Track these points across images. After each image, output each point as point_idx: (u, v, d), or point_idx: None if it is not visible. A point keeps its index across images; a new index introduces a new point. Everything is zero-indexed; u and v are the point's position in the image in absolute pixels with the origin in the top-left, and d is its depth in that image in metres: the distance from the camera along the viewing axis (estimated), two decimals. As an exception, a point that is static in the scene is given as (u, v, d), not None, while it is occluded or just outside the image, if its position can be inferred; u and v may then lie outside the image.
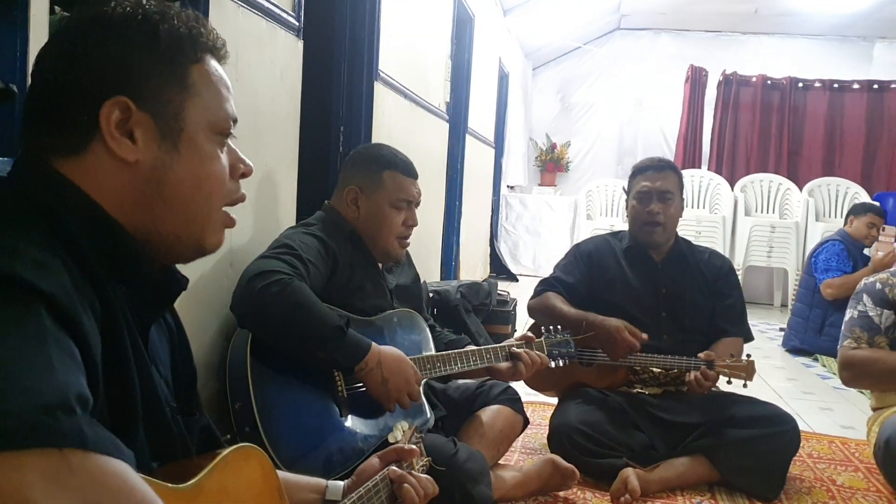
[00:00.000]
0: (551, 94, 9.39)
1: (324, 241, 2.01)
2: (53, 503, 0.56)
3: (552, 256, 6.05)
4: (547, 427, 2.59)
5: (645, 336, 2.48)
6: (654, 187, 2.67)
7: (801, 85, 8.08)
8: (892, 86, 7.87)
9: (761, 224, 6.98)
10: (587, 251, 2.81)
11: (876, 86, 7.93)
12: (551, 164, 9.12)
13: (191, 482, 0.81)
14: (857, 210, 5.05)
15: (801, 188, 7.26)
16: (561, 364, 2.40)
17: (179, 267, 0.97)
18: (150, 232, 0.89)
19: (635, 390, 2.61)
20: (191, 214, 0.91)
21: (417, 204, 2.22)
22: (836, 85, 8.02)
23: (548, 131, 9.26)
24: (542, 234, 8.22)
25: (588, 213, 7.75)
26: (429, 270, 4.62)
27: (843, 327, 2.51)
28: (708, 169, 8.08)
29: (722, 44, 8.71)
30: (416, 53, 4.07)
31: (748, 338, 2.70)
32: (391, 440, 1.37)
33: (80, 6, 0.90)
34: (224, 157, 0.95)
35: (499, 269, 7.71)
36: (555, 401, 2.72)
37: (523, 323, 3.99)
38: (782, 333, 5.26)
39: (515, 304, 4.59)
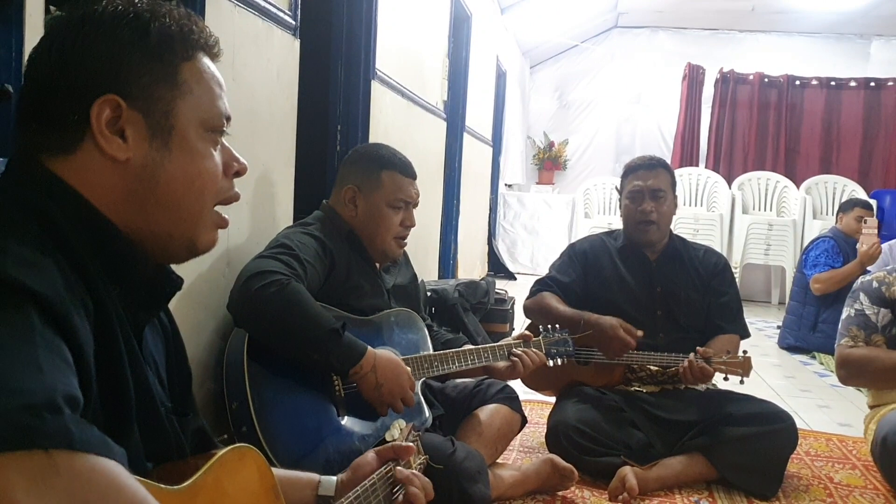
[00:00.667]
0: (549, 92, 9.40)
1: (321, 241, 2.00)
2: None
3: (550, 255, 6.06)
4: (545, 426, 2.59)
5: (640, 333, 2.48)
6: (646, 186, 2.67)
7: (798, 83, 8.08)
8: (889, 83, 7.87)
9: (759, 222, 6.99)
10: (582, 250, 2.81)
11: (873, 83, 7.93)
12: (549, 163, 9.12)
13: (186, 483, 0.81)
14: (845, 206, 5.09)
15: (798, 186, 7.27)
16: (559, 363, 2.40)
17: (176, 267, 0.97)
18: (142, 230, 0.88)
19: (632, 389, 2.61)
20: (183, 213, 0.91)
21: (416, 205, 2.21)
22: (833, 83, 8.02)
23: (545, 129, 9.26)
24: (539, 233, 8.22)
25: (586, 211, 7.76)
26: (427, 269, 4.62)
27: (840, 326, 2.51)
28: (705, 167, 8.09)
29: (719, 41, 8.72)
30: (414, 52, 4.07)
31: (744, 335, 2.69)
32: (388, 438, 1.37)
33: (71, 5, 0.89)
34: (217, 156, 0.94)
35: (497, 267, 7.71)
36: (552, 400, 2.72)
37: (521, 321, 4.00)
38: (779, 331, 5.27)
39: (513, 303, 4.59)
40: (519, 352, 2.23)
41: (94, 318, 0.76)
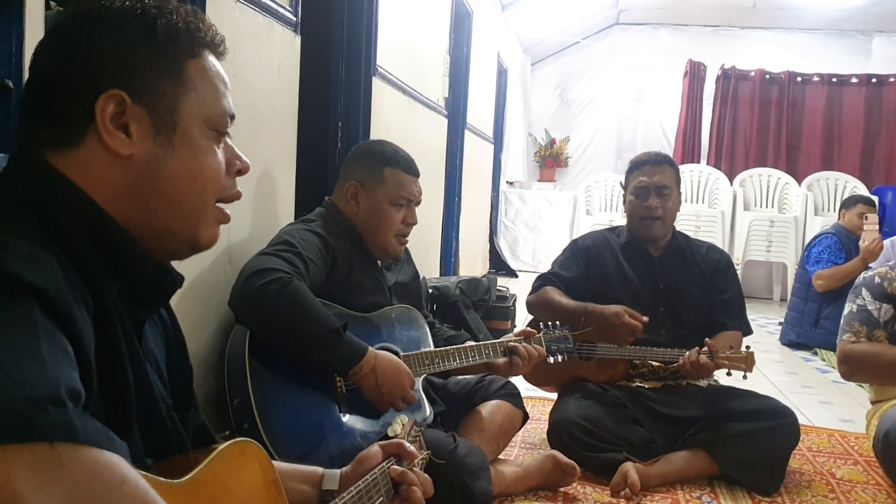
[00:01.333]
0: (550, 89, 9.39)
1: (324, 238, 2.00)
2: (43, 497, 0.56)
3: (551, 252, 6.05)
4: (546, 422, 2.59)
5: (645, 318, 2.48)
6: (652, 182, 2.66)
7: (799, 79, 8.07)
8: (891, 79, 7.86)
9: (760, 218, 6.98)
10: (585, 246, 2.81)
11: (874, 80, 7.92)
12: (550, 160, 9.11)
13: (187, 477, 0.80)
14: (847, 203, 5.09)
15: (799, 182, 7.26)
16: (559, 359, 2.39)
17: (177, 263, 0.97)
18: (143, 227, 0.88)
19: (634, 384, 2.61)
20: (184, 209, 0.91)
21: (418, 203, 2.21)
22: (834, 79, 8.01)
23: (547, 126, 9.25)
24: (541, 230, 8.21)
25: (587, 208, 7.75)
26: (428, 266, 4.62)
27: (841, 321, 2.51)
28: (707, 163, 8.08)
29: (720, 38, 8.70)
30: (415, 49, 4.07)
31: (747, 331, 2.69)
32: (390, 434, 1.36)
33: (73, 0, 0.89)
34: (220, 153, 0.94)
35: (498, 264, 7.71)
36: (554, 396, 2.72)
37: (523, 318, 3.99)
38: (781, 327, 5.26)
39: (515, 300, 4.59)
40: (518, 346, 2.22)
41: (94, 314, 0.76)
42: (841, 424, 3.27)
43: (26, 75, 0.88)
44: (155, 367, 0.95)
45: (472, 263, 6.52)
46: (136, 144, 0.86)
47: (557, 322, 2.45)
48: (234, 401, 1.74)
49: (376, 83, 3.27)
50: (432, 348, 2.14)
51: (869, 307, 2.43)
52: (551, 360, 2.36)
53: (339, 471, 1.23)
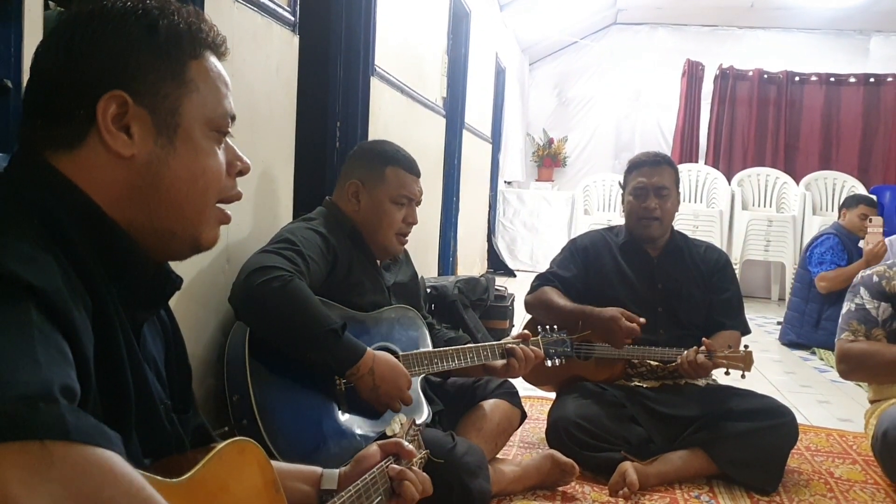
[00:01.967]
0: (548, 89, 9.38)
1: (325, 237, 2.01)
2: (34, 495, 0.56)
3: (550, 252, 6.04)
4: (545, 421, 2.59)
5: (643, 320, 2.48)
6: (651, 183, 2.66)
7: (797, 79, 8.07)
8: (889, 79, 7.86)
9: (758, 218, 6.99)
10: (583, 246, 2.81)
11: (872, 79, 7.92)
12: (548, 160, 9.11)
13: (185, 476, 0.80)
14: (848, 202, 5.06)
15: (797, 182, 7.27)
16: (557, 363, 2.40)
17: (176, 263, 0.97)
18: (144, 227, 0.88)
19: (633, 384, 2.61)
20: (186, 210, 0.91)
21: (418, 202, 2.22)
22: (832, 79, 8.01)
23: (545, 126, 9.25)
24: (539, 230, 8.22)
25: (585, 208, 7.76)
26: (426, 266, 4.63)
27: (840, 320, 2.51)
28: (705, 163, 8.09)
29: (718, 38, 8.70)
30: (413, 49, 4.07)
31: (745, 331, 2.70)
32: (389, 433, 1.36)
33: (79, 1, 0.89)
34: (221, 154, 0.95)
35: (496, 264, 7.71)
36: (552, 395, 2.72)
37: (521, 318, 4.00)
38: (780, 327, 5.27)
39: (513, 300, 4.59)
40: (515, 348, 2.20)
41: (93, 315, 0.76)
42: (839, 424, 3.27)
43: (25, 75, 0.88)
44: (153, 368, 0.95)
45: (471, 263, 6.53)
46: (137, 145, 0.86)
47: (556, 326, 2.45)
48: (233, 397, 1.74)
49: (374, 83, 3.27)
50: (431, 349, 2.14)
51: (867, 306, 2.44)
52: (549, 363, 2.37)
53: (337, 470, 1.23)
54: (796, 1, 7.64)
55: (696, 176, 7.51)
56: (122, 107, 0.84)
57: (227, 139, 0.96)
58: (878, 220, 4.51)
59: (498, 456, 2.38)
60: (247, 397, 1.72)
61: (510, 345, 2.23)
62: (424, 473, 1.29)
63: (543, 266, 2.97)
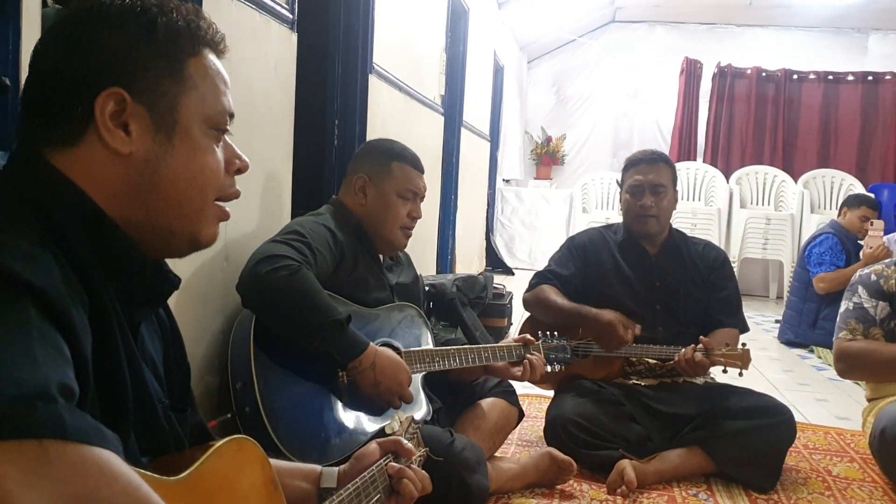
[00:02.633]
0: (546, 87, 9.38)
1: (332, 232, 2.03)
2: (31, 494, 0.56)
3: (548, 250, 6.04)
4: (543, 419, 2.59)
5: (638, 328, 2.48)
6: (647, 181, 2.66)
7: (795, 77, 8.07)
8: (887, 77, 7.86)
9: (756, 216, 6.99)
10: (581, 244, 2.81)
11: (870, 77, 7.92)
12: (547, 158, 9.11)
13: (183, 474, 0.80)
14: (850, 202, 5.02)
15: (796, 180, 7.27)
16: (556, 369, 2.41)
17: (175, 260, 0.97)
18: (143, 225, 0.88)
19: (631, 382, 2.61)
20: (184, 208, 0.91)
21: (422, 198, 2.26)
22: (830, 77, 8.01)
23: (543, 124, 9.24)
24: (537, 228, 8.22)
25: (584, 206, 7.75)
26: (424, 264, 4.62)
27: (838, 319, 2.51)
28: (703, 161, 8.08)
29: (716, 36, 8.70)
30: (411, 46, 4.06)
31: (744, 329, 2.70)
32: (388, 431, 1.36)
33: None
34: (219, 152, 0.94)
35: (495, 262, 7.71)
36: (550, 393, 2.72)
37: (519, 316, 4.00)
38: (778, 325, 5.27)
39: (511, 298, 4.59)
40: (533, 358, 2.25)
41: (91, 313, 0.76)
42: (837, 422, 3.28)
43: (23, 73, 0.88)
44: (151, 366, 0.95)
45: (469, 261, 6.52)
46: (135, 143, 0.86)
47: (556, 332, 2.46)
48: (236, 384, 1.75)
49: (373, 81, 3.27)
50: (433, 346, 2.15)
51: (865, 305, 2.44)
52: (549, 368, 2.38)
53: (336, 468, 1.23)
54: (794, -1, 7.65)
55: (694, 174, 7.52)
56: (120, 104, 0.84)
57: (226, 137, 0.96)
58: (879, 223, 4.47)
59: (496, 454, 2.38)
60: (250, 385, 1.73)
61: (513, 349, 2.25)
62: (423, 471, 1.29)
63: (542, 264, 2.98)
